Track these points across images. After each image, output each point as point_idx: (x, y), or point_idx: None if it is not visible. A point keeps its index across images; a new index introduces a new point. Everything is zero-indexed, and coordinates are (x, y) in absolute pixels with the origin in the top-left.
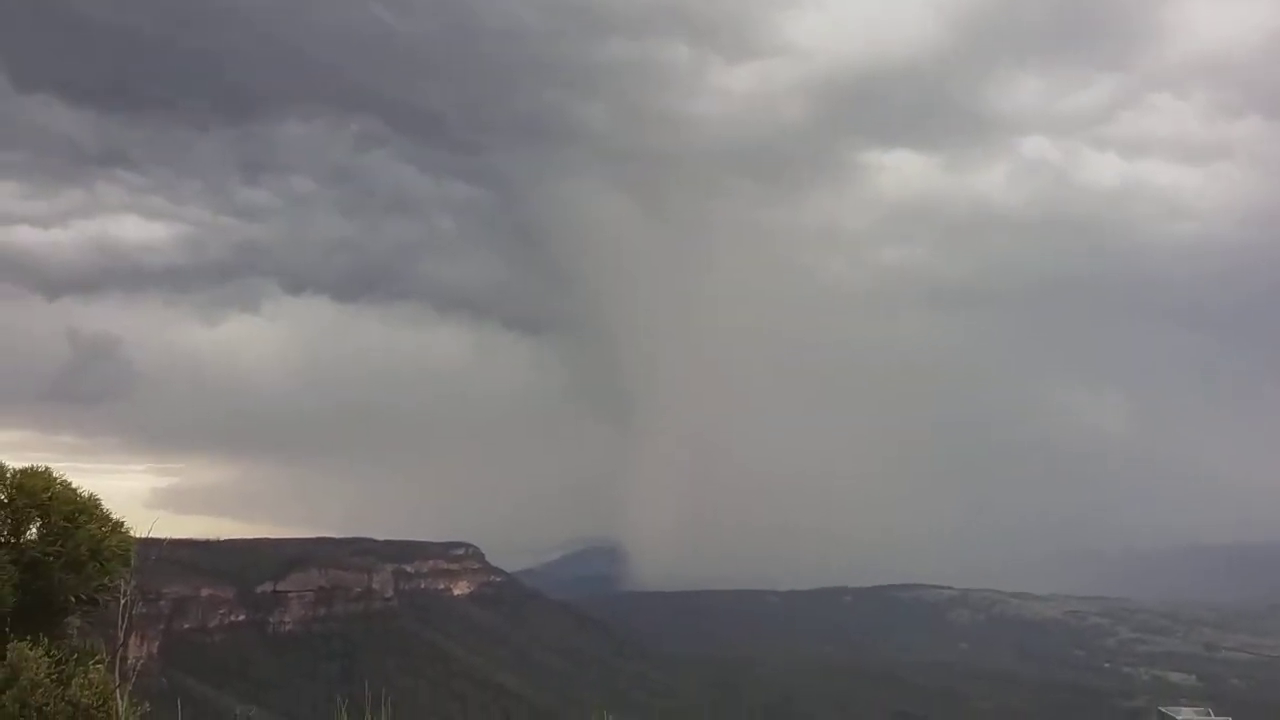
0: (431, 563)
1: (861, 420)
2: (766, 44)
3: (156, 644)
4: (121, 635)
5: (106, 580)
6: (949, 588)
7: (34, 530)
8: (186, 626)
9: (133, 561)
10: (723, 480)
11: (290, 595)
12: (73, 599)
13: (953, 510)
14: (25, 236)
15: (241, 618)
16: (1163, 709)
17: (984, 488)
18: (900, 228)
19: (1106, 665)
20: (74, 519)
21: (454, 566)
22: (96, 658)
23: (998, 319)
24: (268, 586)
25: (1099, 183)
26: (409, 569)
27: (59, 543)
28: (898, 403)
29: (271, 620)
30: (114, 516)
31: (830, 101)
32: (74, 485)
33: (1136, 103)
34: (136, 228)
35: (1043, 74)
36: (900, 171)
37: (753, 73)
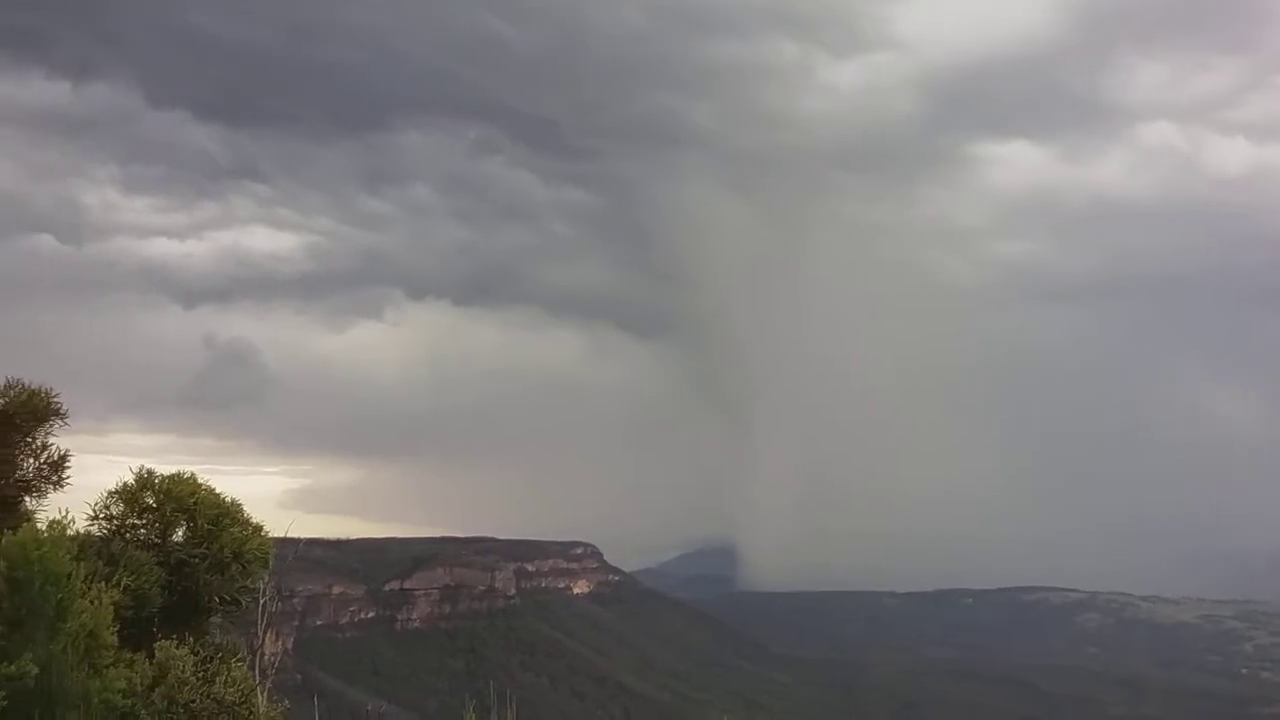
0: (551, 562)
1: (981, 419)
2: (874, 38)
3: (291, 640)
4: (261, 634)
5: (248, 581)
6: (1076, 590)
7: (180, 533)
8: (319, 623)
9: (271, 563)
10: (839, 480)
11: (417, 593)
12: (217, 599)
13: (1078, 511)
14: (164, 248)
15: (371, 615)
16: None
17: (1111, 487)
18: (1018, 221)
19: (1244, 671)
20: (218, 523)
21: (573, 565)
22: (238, 655)
23: (1122, 313)
24: (395, 585)
25: (1227, 169)
26: (530, 568)
27: (204, 545)
28: (1018, 401)
29: (399, 617)
30: (254, 520)
31: (941, 94)
32: (217, 490)
33: (1263, 85)
34: (266, 238)
35: (1163, 59)
36: (1016, 163)
37: (861, 68)
